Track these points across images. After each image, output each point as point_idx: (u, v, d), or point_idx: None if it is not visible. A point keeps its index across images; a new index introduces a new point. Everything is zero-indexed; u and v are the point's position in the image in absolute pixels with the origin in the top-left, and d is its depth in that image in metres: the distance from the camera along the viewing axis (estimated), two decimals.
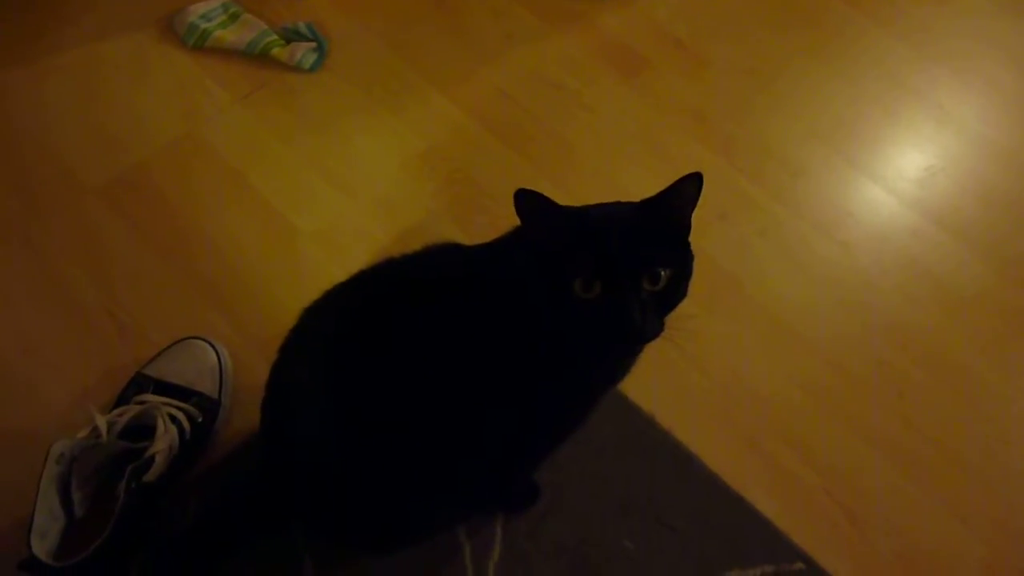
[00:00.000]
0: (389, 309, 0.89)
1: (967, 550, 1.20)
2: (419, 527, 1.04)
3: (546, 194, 0.79)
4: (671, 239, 0.85)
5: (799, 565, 1.16)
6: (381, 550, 1.10)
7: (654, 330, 0.82)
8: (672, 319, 0.84)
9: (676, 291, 0.84)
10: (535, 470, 1.13)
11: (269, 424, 0.96)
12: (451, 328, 0.87)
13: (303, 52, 1.57)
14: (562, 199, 0.79)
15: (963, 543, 1.21)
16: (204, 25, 1.58)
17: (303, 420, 0.89)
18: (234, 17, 1.62)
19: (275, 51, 1.58)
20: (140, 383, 1.17)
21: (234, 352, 1.25)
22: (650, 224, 0.82)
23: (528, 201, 0.80)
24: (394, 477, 0.88)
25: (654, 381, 1.25)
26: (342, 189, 1.46)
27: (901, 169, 1.58)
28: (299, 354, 0.93)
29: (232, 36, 1.58)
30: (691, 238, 0.87)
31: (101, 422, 1.03)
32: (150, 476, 1.03)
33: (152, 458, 1.03)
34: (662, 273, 0.81)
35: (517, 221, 0.85)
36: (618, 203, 0.88)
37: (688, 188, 0.81)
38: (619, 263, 0.79)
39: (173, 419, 1.11)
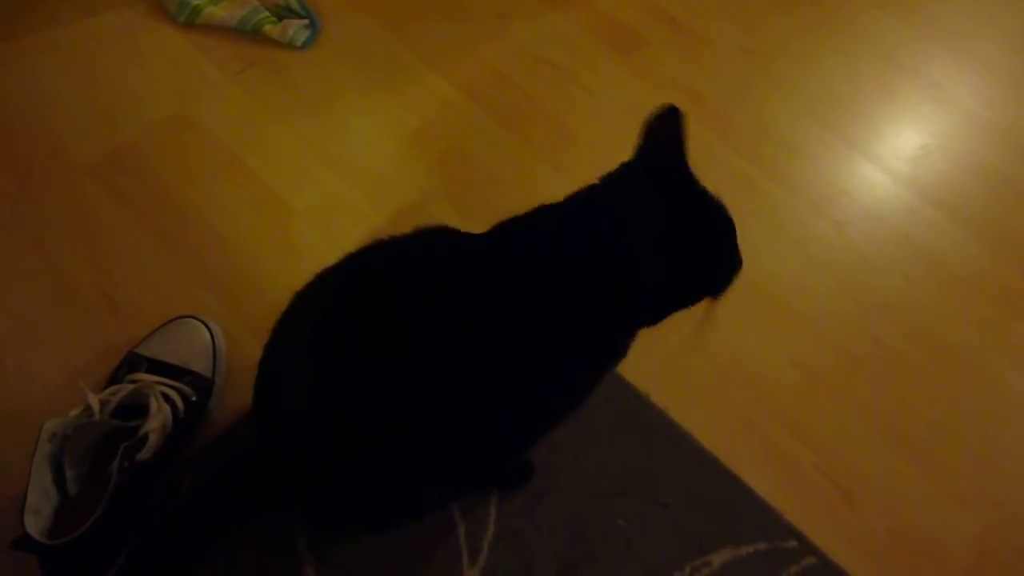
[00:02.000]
0: (382, 292, 0.89)
1: (961, 528, 1.21)
2: (412, 506, 1.04)
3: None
4: None
5: (792, 543, 1.16)
6: (373, 528, 1.11)
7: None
8: None
9: None
10: (531, 450, 1.13)
11: (261, 407, 0.96)
12: (448, 313, 0.86)
13: (295, 29, 1.56)
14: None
15: (957, 521, 1.21)
16: (195, 1, 1.56)
17: (295, 404, 0.88)
18: None
19: (267, 28, 1.56)
20: (133, 362, 1.16)
21: (227, 331, 1.24)
22: None
23: None
24: (386, 459, 0.88)
25: (649, 360, 1.25)
26: (335, 167, 1.45)
27: (897, 148, 1.58)
28: (290, 337, 0.92)
29: (223, 12, 1.57)
30: None
31: (94, 401, 1.03)
32: (143, 455, 1.02)
33: (145, 437, 1.03)
34: None
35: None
36: None
37: None
38: None
39: (166, 398, 1.10)
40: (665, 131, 0.88)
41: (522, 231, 0.92)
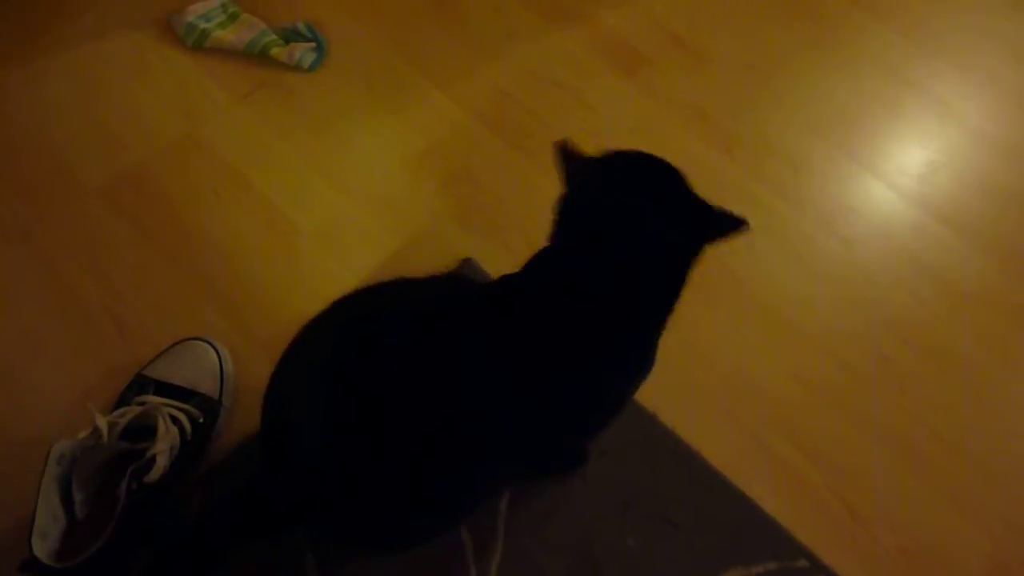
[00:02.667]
0: (395, 324, 0.89)
1: (971, 545, 1.20)
2: (419, 532, 1.04)
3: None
4: None
5: (802, 562, 1.16)
6: (381, 552, 1.10)
7: None
8: None
9: None
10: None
11: (269, 440, 0.96)
12: (463, 350, 0.87)
13: (302, 52, 1.57)
14: None
15: (967, 538, 1.20)
16: (203, 25, 1.58)
17: (305, 440, 0.88)
18: (233, 17, 1.62)
19: (274, 51, 1.58)
20: (141, 384, 1.17)
21: (234, 351, 1.25)
22: None
23: None
24: (397, 493, 0.88)
25: (656, 378, 1.24)
26: (342, 188, 1.46)
27: (903, 164, 1.57)
28: (299, 366, 0.92)
29: (231, 36, 1.58)
30: None
31: (102, 423, 1.03)
32: (151, 477, 1.02)
33: (153, 459, 1.03)
34: None
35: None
36: None
37: None
38: None
39: (174, 420, 1.10)
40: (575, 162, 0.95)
41: (531, 272, 0.96)
